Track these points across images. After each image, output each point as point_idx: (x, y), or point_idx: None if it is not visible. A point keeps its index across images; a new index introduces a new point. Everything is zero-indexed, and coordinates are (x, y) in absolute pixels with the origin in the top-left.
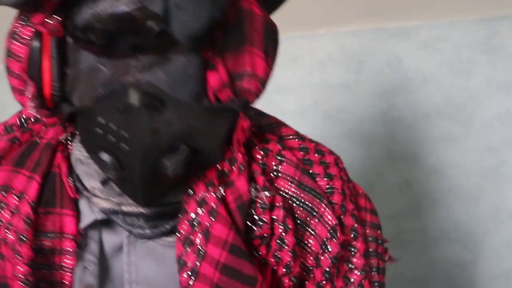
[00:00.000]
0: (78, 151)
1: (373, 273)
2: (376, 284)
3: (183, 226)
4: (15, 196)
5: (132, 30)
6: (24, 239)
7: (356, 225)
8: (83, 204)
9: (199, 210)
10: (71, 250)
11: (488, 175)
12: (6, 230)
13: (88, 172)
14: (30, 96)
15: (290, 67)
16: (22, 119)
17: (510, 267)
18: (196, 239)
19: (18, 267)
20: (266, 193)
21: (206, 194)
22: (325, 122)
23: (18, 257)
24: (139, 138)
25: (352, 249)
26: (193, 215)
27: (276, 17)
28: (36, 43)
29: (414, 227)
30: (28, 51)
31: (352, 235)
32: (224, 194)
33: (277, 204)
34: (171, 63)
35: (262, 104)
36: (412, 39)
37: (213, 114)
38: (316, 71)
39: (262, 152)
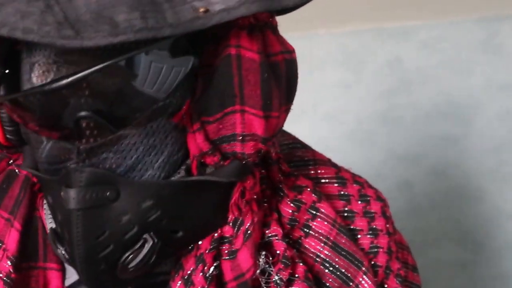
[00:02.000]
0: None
1: None
2: None
3: None
4: None
5: (58, 117)
6: None
7: None
8: None
9: None
10: None
11: (488, 175)
12: None
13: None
14: None
15: None
16: None
17: (510, 268)
18: None
19: None
20: (283, 266)
21: (194, 272)
22: (325, 122)
23: None
24: (79, 247)
25: None
26: None
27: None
28: None
29: (414, 227)
30: None
31: None
32: (217, 271)
33: (297, 275)
34: (125, 139)
35: None
36: (412, 39)
37: (190, 188)
38: (316, 71)
39: (293, 206)
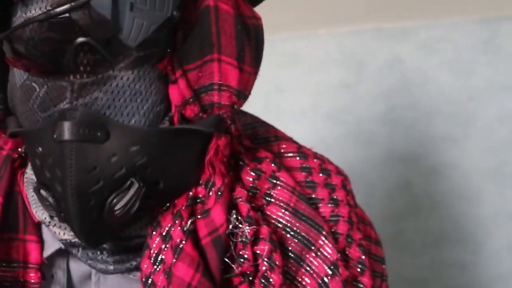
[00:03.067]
0: (30, 171)
1: None
2: None
3: (145, 264)
4: None
5: (66, 41)
6: None
7: (363, 257)
8: (46, 230)
9: (163, 246)
10: (36, 282)
11: (489, 176)
12: None
13: (37, 200)
14: None
15: (289, 67)
16: None
17: (510, 268)
18: (158, 281)
19: None
20: (247, 224)
21: (172, 227)
22: (325, 122)
23: None
24: (70, 178)
25: (359, 285)
26: (156, 252)
27: (276, 17)
28: None
29: (414, 227)
30: None
31: (358, 269)
32: (193, 227)
33: (262, 236)
34: (115, 80)
35: (261, 104)
36: (412, 39)
37: (174, 138)
38: (316, 71)
39: (253, 174)
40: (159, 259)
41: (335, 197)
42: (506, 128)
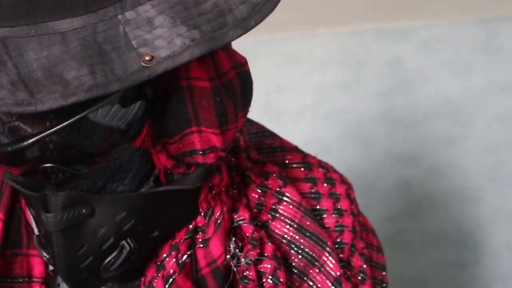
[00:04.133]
0: None
1: None
2: None
3: None
4: None
5: (25, 166)
6: None
7: (364, 266)
8: None
9: (155, 275)
10: None
11: (488, 175)
12: None
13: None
14: None
15: (289, 67)
16: None
17: (510, 268)
18: None
19: None
20: (251, 246)
21: (167, 258)
22: (325, 122)
23: None
24: (60, 262)
25: None
26: (149, 280)
27: (276, 17)
28: None
29: (413, 227)
30: None
31: (359, 278)
32: (190, 259)
33: (266, 254)
34: (95, 162)
35: (262, 104)
36: (412, 39)
37: (160, 196)
38: (315, 71)
39: (259, 191)
40: (151, 287)
41: (339, 207)
42: (506, 128)
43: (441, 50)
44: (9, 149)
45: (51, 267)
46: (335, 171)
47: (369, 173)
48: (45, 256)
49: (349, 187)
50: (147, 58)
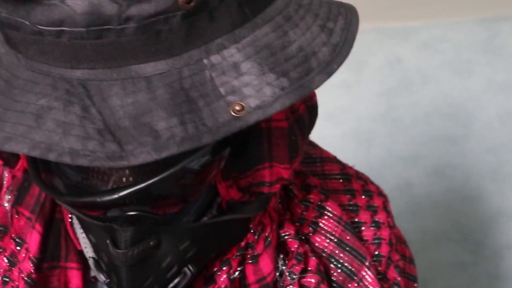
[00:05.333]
0: None
1: None
2: None
3: None
4: (13, 241)
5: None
6: None
7: (399, 279)
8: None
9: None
10: None
11: (488, 175)
12: (3, 284)
13: (83, 240)
14: (4, 188)
15: None
16: None
17: (510, 268)
18: None
19: None
20: (296, 262)
21: (218, 272)
22: (325, 122)
23: None
24: None
25: None
26: None
27: None
28: None
29: (414, 227)
30: None
31: None
32: (239, 276)
33: (310, 268)
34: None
35: None
36: (412, 39)
37: (222, 224)
38: None
39: (302, 206)
40: None
41: (377, 219)
42: (506, 128)
43: (442, 50)
44: (98, 200)
45: (93, 273)
46: (372, 183)
47: (370, 173)
48: (104, 281)
49: (385, 199)
50: (237, 108)
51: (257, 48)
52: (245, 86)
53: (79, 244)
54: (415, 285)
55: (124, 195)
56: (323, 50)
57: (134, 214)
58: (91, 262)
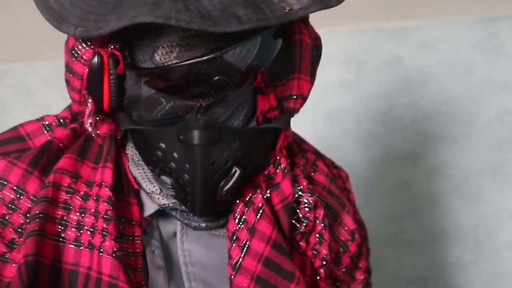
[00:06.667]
0: (131, 152)
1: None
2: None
3: (230, 224)
4: (84, 185)
5: (196, 81)
6: (110, 217)
7: (361, 233)
8: (143, 195)
9: (246, 210)
10: (138, 236)
11: (488, 175)
12: (80, 214)
13: (144, 175)
14: (87, 113)
15: None
16: (73, 113)
17: (510, 268)
18: (242, 236)
19: (106, 243)
20: (310, 194)
21: (254, 195)
22: (325, 122)
23: (106, 233)
24: (200, 171)
25: (360, 252)
26: (239, 215)
27: None
28: (96, 65)
29: (414, 227)
30: (87, 72)
31: (360, 240)
32: (269, 195)
33: (318, 204)
34: (228, 97)
35: None
36: (412, 39)
37: (260, 133)
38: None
39: (303, 160)
40: (242, 219)
41: (347, 187)
42: (506, 127)
43: (441, 49)
44: (202, 59)
45: (146, 214)
46: (335, 162)
47: (370, 172)
48: (169, 186)
49: (347, 174)
50: (287, 8)
51: None
52: None
53: (135, 183)
54: (367, 242)
55: (221, 53)
56: None
57: (219, 79)
58: (155, 176)
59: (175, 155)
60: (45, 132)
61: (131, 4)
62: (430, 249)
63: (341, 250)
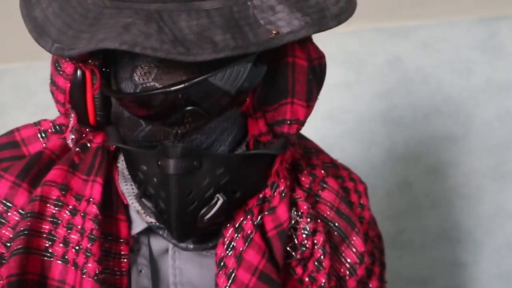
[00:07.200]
0: (122, 165)
1: None
2: None
3: (219, 249)
4: (73, 198)
5: (167, 109)
6: (94, 237)
7: (374, 251)
8: (133, 212)
9: (235, 236)
10: (125, 254)
11: (488, 175)
12: (67, 230)
13: (131, 192)
14: (70, 128)
15: None
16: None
17: (510, 268)
18: (229, 263)
19: (89, 264)
20: (309, 220)
21: (244, 221)
22: (325, 122)
23: (89, 254)
24: (174, 202)
25: (370, 273)
26: (228, 240)
27: None
28: (77, 80)
29: (414, 227)
30: (69, 86)
31: (370, 260)
32: (261, 222)
33: (319, 229)
34: (209, 124)
35: None
36: (412, 39)
37: (250, 159)
38: None
39: (310, 178)
40: (231, 246)
41: (362, 202)
42: (506, 127)
43: (441, 49)
44: (168, 90)
45: (134, 232)
46: (354, 173)
47: (370, 172)
48: (149, 210)
49: (366, 187)
50: (274, 32)
51: None
52: (279, 20)
53: (125, 198)
54: (383, 256)
55: (189, 84)
56: (333, 8)
57: (191, 109)
58: (136, 197)
59: (155, 180)
60: (41, 139)
61: (105, 23)
62: (431, 249)
63: (348, 273)
